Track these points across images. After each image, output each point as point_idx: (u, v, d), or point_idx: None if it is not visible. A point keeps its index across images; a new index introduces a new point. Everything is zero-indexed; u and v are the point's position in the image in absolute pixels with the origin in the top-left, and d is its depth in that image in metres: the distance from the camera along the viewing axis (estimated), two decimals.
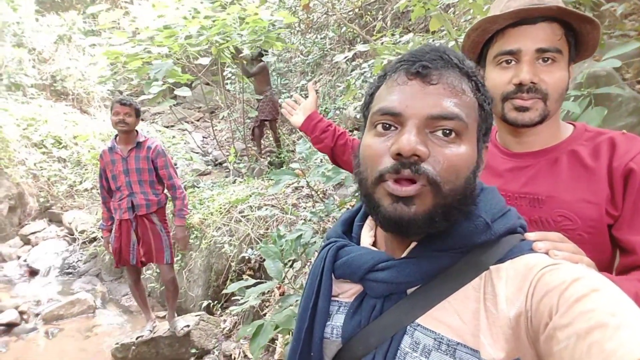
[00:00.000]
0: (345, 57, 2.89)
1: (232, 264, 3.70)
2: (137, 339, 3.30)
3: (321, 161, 2.75)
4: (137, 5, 5.63)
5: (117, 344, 3.37)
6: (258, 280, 1.71)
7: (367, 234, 0.68)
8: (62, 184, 6.19)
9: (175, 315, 3.40)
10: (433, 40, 3.00)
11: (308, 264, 2.68)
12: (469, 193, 0.56)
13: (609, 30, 2.49)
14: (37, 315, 4.13)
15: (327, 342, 0.65)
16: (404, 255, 0.60)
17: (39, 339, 3.82)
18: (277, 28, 4.89)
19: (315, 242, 2.03)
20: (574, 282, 0.47)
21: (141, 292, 3.38)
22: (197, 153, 6.94)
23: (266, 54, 5.85)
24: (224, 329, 3.47)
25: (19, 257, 5.33)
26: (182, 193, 3.14)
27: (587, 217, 0.83)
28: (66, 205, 6.07)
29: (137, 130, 3.06)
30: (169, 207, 3.46)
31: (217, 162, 6.82)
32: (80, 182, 6.22)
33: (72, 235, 5.59)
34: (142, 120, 8.35)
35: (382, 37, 3.16)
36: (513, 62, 0.87)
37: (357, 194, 0.64)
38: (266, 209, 3.70)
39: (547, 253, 0.57)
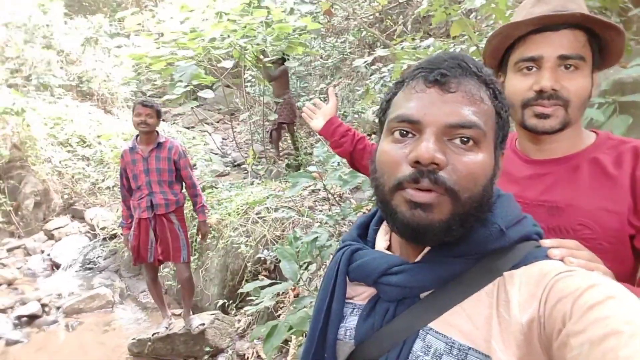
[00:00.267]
0: (365, 62, 2.90)
1: (248, 264, 3.73)
2: (153, 335, 3.36)
3: (338, 165, 2.75)
4: (162, 8, 5.76)
5: (133, 339, 3.44)
6: (273, 281, 1.72)
7: (382, 238, 0.69)
8: (85, 181, 6.35)
9: (191, 313, 3.45)
10: (454, 46, 2.98)
11: (323, 266, 2.69)
12: (486, 200, 0.56)
13: (636, 36, 2.43)
14: (58, 308, 4.24)
15: (341, 343, 0.66)
16: (417, 259, 0.60)
17: (59, 331, 3.93)
18: (301, 34, 4.93)
19: (330, 245, 2.04)
20: (588, 289, 0.46)
21: (158, 289, 3.44)
22: (216, 154, 7.03)
23: (288, 59, 5.89)
24: (238, 328, 3.50)
25: (42, 252, 5.49)
26: (200, 190, 3.31)
27: (607, 227, 0.82)
28: (88, 202, 6.23)
29: (157, 131, 3.13)
30: (187, 207, 3.53)
31: (235, 164, 6.89)
32: (103, 180, 6.37)
33: (94, 231, 5.73)
34: (164, 121, 8.51)
35: (402, 41, 3.15)
36: (534, 69, 0.87)
37: (373, 198, 0.64)
38: (283, 211, 3.72)
39: (562, 260, 0.56)
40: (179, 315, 3.76)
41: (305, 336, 0.74)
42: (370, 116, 4.82)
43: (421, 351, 0.56)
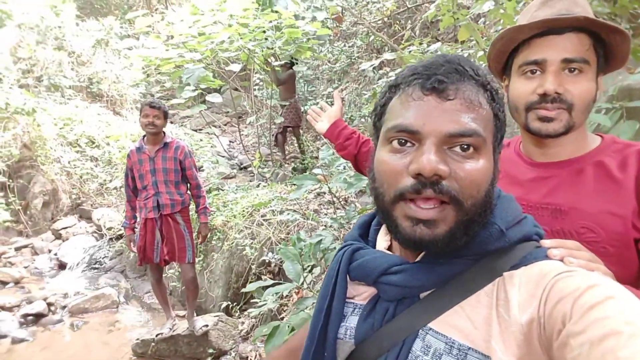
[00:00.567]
0: (372, 65, 2.90)
1: (253, 266, 3.74)
2: (157, 336, 3.37)
3: (344, 168, 2.76)
4: (172, 11, 5.82)
5: (137, 339, 3.45)
6: (276, 281, 1.72)
7: (383, 238, 0.69)
8: (93, 182, 6.41)
9: (195, 314, 3.46)
10: (462, 50, 2.98)
11: (327, 269, 2.68)
12: (489, 205, 0.56)
13: None
14: (64, 307, 4.27)
15: (341, 342, 0.66)
16: (417, 259, 0.60)
17: (64, 331, 3.95)
18: (310, 39, 4.95)
19: (334, 247, 2.03)
20: (588, 289, 0.46)
21: (163, 290, 3.45)
22: (223, 157, 7.07)
23: (297, 63, 5.91)
24: (241, 330, 3.50)
25: (50, 251, 5.54)
26: (204, 191, 3.32)
27: (611, 230, 0.81)
28: (96, 203, 6.28)
29: (164, 132, 3.16)
30: (192, 208, 3.55)
31: (242, 166, 6.92)
32: (110, 181, 6.43)
33: (100, 231, 5.78)
34: (172, 123, 8.58)
35: (409, 45, 3.16)
36: (538, 72, 0.86)
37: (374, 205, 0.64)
38: (288, 214, 3.73)
39: (562, 260, 0.56)
40: (183, 316, 3.77)
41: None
42: None
43: (421, 351, 0.56)
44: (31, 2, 7.27)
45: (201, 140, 7.64)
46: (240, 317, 3.69)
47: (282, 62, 5.45)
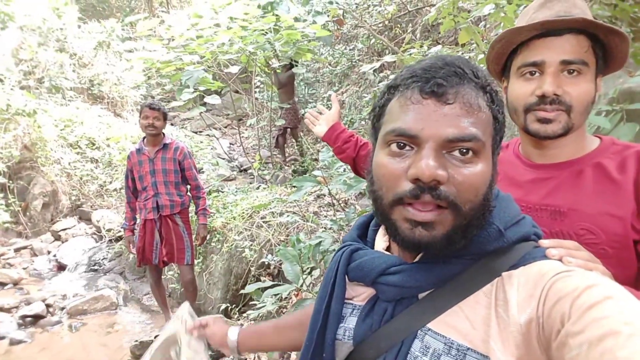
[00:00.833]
0: (372, 68, 2.91)
1: (252, 268, 3.73)
2: (155, 337, 3.35)
3: (344, 170, 2.76)
4: (173, 14, 5.84)
5: (136, 341, 3.44)
6: (275, 283, 1.72)
7: (381, 239, 0.69)
8: (93, 183, 6.42)
9: None
10: (462, 53, 2.98)
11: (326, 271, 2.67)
12: (487, 208, 0.56)
13: None
14: (62, 309, 4.26)
15: (339, 343, 0.66)
16: (416, 260, 0.60)
17: (62, 332, 3.94)
18: (310, 41, 4.95)
19: (334, 249, 2.03)
20: (587, 289, 0.46)
21: (162, 292, 3.45)
22: (223, 159, 7.07)
23: (296, 65, 5.94)
24: None
25: (49, 252, 5.53)
26: (204, 193, 3.31)
27: (611, 231, 0.81)
28: (95, 204, 6.28)
29: (164, 133, 3.16)
30: (192, 210, 3.54)
31: (242, 169, 6.92)
32: (110, 182, 6.43)
33: (100, 233, 5.77)
34: (172, 125, 8.59)
35: (410, 48, 3.16)
36: (537, 74, 0.86)
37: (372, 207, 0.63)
38: (287, 216, 3.72)
39: (561, 260, 0.56)
40: None
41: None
42: None
43: (419, 351, 0.55)
44: (33, 4, 7.29)
45: (201, 142, 7.65)
46: (239, 319, 3.68)
47: (283, 63, 5.47)
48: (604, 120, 1.35)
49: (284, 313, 3.20)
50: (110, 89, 8.26)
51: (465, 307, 0.55)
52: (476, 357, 0.51)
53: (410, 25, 5.80)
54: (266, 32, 4.63)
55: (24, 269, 5.13)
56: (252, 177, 6.11)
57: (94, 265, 5.30)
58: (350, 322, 0.65)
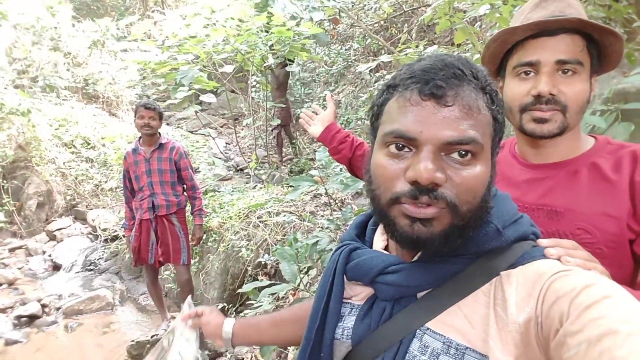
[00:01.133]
0: (368, 68, 2.91)
1: (249, 268, 3.73)
2: (152, 337, 3.35)
3: (340, 169, 2.76)
4: (168, 13, 5.81)
5: (132, 341, 3.43)
6: (272, 282, 1.72)
7: (380, 238, 0.69)
8: (89, 183, 6.38)
9: None
10: (458, 54, 2.99)
11: (323, 270, 2.68)
12: (484, 209, 0.56)
13: None
14: (58, 309, 4.23)
15: (338, 343, 0.66)
16: (414, 259, 0.60)
17: (58, 332, 3.92)
18: (305, 38, 4.93)
19: (331, 249, 2.03)
20: (585, 289, 0.46)
21: (158, 291, 3.44)
22: (219, 158, 7.06)
23: (291, 64, 5.94)
24: None
25: (44, 252, 5.50)
26: (201, 193, 3.30)
27: (607, 231, 0.82)
28: (91, 204, 6.25)
29: (159, 133, 3.15)
30: (188, 209, 3.53)
31: (238, 168, 6.91)
32: (105, 182, 6.40)
33: (95, 233, 5.74)
34: (168, 124, 8.56)
35: (406, 48, 3.17)
36: (532, 74, 0.87)
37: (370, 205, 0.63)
38: (284, 215, 3.72)
39: (559, 259, 0.56)
40: None
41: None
42: None
43: (418, 351, 0.56)
44: (27, 3, 7.23)
45: (197, 142, 7.63)
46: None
47: (278, 60, 5.46)
48: (600, 120, 1.36)
49: None
50: (105, 88, 8.21)
51: (464, 306, 0.55)
52: (475, 356, 0.52)
53: (406, 25, 5.81)
54: (258, 32, 4.61)
55: (19, 269, 5.10)
56: (249, 176, 6.11)
57: (89, 265, 5.27)
58: (348, 322, 0.65)
